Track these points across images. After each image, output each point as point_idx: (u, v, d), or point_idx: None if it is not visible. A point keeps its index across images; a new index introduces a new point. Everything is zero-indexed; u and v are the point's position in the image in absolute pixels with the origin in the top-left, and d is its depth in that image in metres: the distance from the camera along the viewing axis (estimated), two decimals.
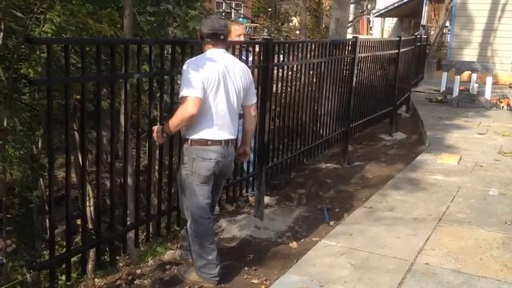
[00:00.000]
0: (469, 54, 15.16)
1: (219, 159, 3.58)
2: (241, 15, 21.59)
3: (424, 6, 20.54)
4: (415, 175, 6.22)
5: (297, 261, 4.04)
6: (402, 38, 9.30)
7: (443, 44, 19.48)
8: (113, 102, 3.53)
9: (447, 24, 18.79)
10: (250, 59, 4.67)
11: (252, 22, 20.58)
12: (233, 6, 23.29)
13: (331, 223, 4.97)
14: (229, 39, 3.98)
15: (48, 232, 8.06)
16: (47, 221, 8.41)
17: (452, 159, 6.84)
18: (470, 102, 11.33)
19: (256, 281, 3.83)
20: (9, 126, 7.04)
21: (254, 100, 3.84)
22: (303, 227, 4.95)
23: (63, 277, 5.70)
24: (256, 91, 4.09)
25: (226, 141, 3.61)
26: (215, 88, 3.47)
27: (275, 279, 3.78)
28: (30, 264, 7.48)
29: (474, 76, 11.52)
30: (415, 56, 11.77)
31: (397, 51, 8.90)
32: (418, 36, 13.62)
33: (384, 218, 4.83)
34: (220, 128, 3.56)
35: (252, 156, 4.95)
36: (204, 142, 3.54)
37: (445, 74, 12.19)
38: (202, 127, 3.52)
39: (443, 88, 12.11)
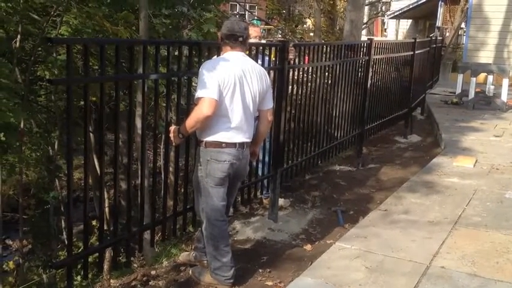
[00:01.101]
0: (485, 56, 15.04)
1: (234, 162, 3.59)
2: (256, 17, 21.62)
3: (439, 8, 20.40)
4: (430, 178, 6.18)
5: (311, 263, 4.03)
6: (417, 40, 9.25)
7: (458, 46, 19.34)
8: (131, 103, 3.56)
9: (462, 25, 18.66)
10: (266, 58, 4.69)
11: (266, 24, 20.59)
12: (247, 8, 23.35)
13: (346, 226, 4.95)
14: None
15: (64, 232, 8.14)
16: (63, 221, 8.48)
17: (468, 162, 6.79)
18: (486, 104, 11.25)
19: (270, 283, 3.83)
20: (26, 128, 7.11)
21: (270, 105, 3.83)
22: (317, 229, 4.94)
23: (79, 278, 5.76)
24: (272, 94, 4.08)
25: (241, 144, 3.61)
26: (231, 90, 3.48)
27: (289, 281, 3.77)
28: (46, 264, 7.54)
29: (490, 78, 11.42)
30: (430, 58, 11.70)
31: (412, 53, 8.86)
32: (433, 38, 13.54)
33: (399, 221, 4.80)
34: (235, 131, 3.57)
35: (266, 158, 4.96)
36: (219, 144, 3.54)
37: (460, 76, 12.10)
38: (218, 129, 3.53)
39: (458, 90, 12.02)
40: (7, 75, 5.12)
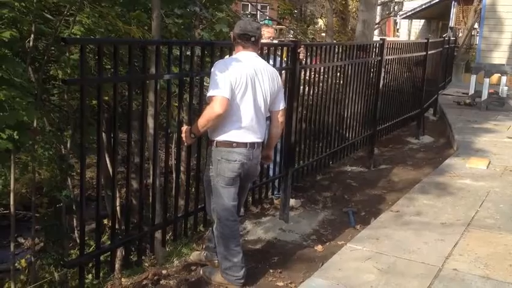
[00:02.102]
0: (499, 57, 14.90)
1: (244, 162, 3.58)
2: (267, 17, 21.60)
3: (452, 8, 20.26)
4: (442, 179, 6.14)
5: (322, 264, 4.02)
6: (430, 40, 9.20)
7: (471, 46, 19.21)
8: (144, 103, 3.56)
9: (476, 26, 18.53)
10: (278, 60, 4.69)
11: (278, 24, 20.56)
12: (259, 8, 23.33)
13: (357, 227, 4.94)
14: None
15: (75, 231, 8.17)
16: (75, 220, 8.52)
17: (481, 163, 6.73)
18: (499, 105, 11.16)
19: (281, 284, 3.82)
20: (39, 127, 7.15)
21: (282, 106, 3.83)
22: (329, 230, 4.93)
23: (90, 276, 5.79)
24: (283, 95, 4.08)
25: (252, 144, 3.60)
26: (243, 90, 3.48)
27: (300, 282, 3.76)
28: (58, 263, 7.58)
29: (504, 79, 11.33)
30: (443, 59, 11.63)
31: (424, 53, 8.81)
32: (446, 38, 13.46)
33: (411, 223, 4.77)
34: (246, 131, 3.57)
35: (278, 158, 4.96)
36: (229, 144, 3.54)
37: (473, 77, 12.01)
38: (228, 129, 3.53)
39: (471, 91, 11.93)
40: (20, 74, 5.15)
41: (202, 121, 3.48)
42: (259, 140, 3.68)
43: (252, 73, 3.53)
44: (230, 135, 3.54)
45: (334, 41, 13.58)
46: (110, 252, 3.58)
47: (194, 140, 3.71)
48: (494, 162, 6.91)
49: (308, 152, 5.56)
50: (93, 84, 3.50)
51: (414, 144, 8.56)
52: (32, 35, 6.09)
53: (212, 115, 3.40)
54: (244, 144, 3.57)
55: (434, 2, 21.22)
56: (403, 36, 25.61)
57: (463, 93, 12.71)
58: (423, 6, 21.72)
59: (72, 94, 7.85)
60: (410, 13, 23.06)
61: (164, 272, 4.24)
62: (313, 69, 5.36)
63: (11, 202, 6.44)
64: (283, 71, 4.71)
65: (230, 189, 3.63)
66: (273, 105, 3.75)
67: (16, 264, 7.53)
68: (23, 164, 7.52)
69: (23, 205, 10.29)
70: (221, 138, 3.55)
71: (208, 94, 3.42)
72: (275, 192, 5.29)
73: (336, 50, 5.79)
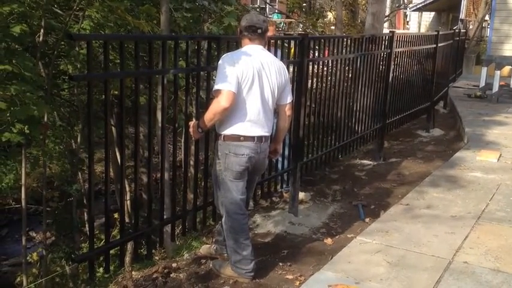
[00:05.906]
0: (510, 49, 14.76)
1: (252, 155, 3.58)
2: (276, 11, 21.55)
3: (462, 0, 20.10)
4: (453, 172, 6.11)
5: (331, 257, 4.02)
6: (440, 33, 9.13)
7: (482, 39, 19.05)
8: (150, 98, 3.57)
9: (486, 18, 18.37)
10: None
11: (287, 17, 20.49)
12: (268, 2, 23.27)
13: (367, 220, 4.93)
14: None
15: (86, 225, 8.24)
16: (85, 214, 8.58)
17: (492, 156, 6.69)
18: (510, 97, 11.08)
19: (290, 277, 3.82)
20: (49, 121, 7.19)
21: (289, 99, 3.81)
22: (338, 223, 4.92)
23: (101, 269, 5.83)
24: (291, 87, 4.06)
25: (260, 138, 3.60)
26: (249, 83, 3.47)
27: (310, 275, 3.76)
28: (69, 256, 7.64)
29: None
30: (453, 51, 11.54)
31: (435, 45, 8.75)
32: (457, 30, 13.35)
33: (421, 216, 4.76)
34: (253, 124, 3.56)
35: (286, 152, 4.95)
36: (237, 138, 3.54)
37: (484, 69, 11.92)
38: (236, 122, 3.53)
39: (482, 83, 11.85)
40: (31, 69, 5.18)
41: (209, 115, 3.48)
42: (267, 134, 3.67)
43: (259, 66, 3.52)
44: (237, 129, 3.53)
45: (344, 34, 13.51)
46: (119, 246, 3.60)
47: (202, 135, 3.72)
48: (505, 154, 6.86)
49: (317, 146, 5.55)
50: (99, 80, 3.51)
51: (424, 137, 8.52)
52: (42, 30, 6.12)
53: (218, 109, 3.40)
54: (252, 138, 3.56)
55: None
56: (413, 28, 25.44)
57: (474, 86, 12.63)
58: None
59: (82, 89, 7.89)
60: (420, 5, 22.88)
61: (174, 265, 4.26)
62: (321, 62, 5.34)
63: (23, 196, 6.50)
64: (290, 65, 4.69)
65: (238, 183, 3.63)
66: (280, 98, 3.73)
67: (28, 258, 7.61)
68: (34, 159, 7.58)
69: (34, 199, 10.39)
70: (228, 132, 3.55)
71: (215, 88, 3.41)
72: (284, 186, 5.29)
73: (345, 42, 5.76)
